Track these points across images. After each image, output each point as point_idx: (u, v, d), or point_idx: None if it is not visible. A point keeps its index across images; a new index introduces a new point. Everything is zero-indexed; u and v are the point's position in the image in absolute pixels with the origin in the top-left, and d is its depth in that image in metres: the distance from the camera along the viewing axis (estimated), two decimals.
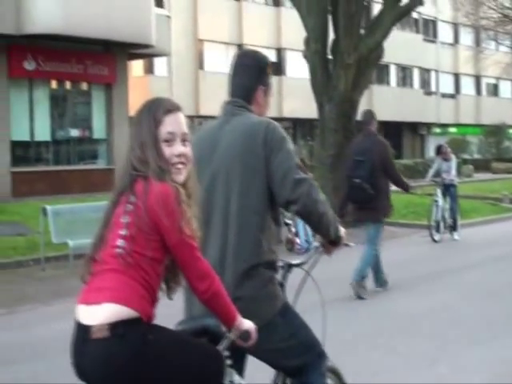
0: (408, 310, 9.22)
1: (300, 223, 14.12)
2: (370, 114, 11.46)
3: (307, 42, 17.98)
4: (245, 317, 3.24)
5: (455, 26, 53.34)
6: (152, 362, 2.88)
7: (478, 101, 57.03)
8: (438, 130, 54.08)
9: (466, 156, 46.62)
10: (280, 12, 42.34)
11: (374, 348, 7.46)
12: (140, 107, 3.16)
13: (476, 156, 50.49)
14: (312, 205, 3.81)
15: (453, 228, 15.87)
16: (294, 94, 39.73)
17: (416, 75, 51.96)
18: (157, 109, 3.06)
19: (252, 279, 3.74)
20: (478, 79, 56.97)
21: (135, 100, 28.65)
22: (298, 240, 14.17)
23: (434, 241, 15.31)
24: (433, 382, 6.38)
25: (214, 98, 38.44)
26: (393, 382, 6.36)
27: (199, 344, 3.16)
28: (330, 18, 17.95)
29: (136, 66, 34.30)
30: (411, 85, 51.54)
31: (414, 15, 45.42)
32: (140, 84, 34.01)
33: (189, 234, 2.91)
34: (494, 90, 58.96)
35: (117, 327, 2.79)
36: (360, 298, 9.91)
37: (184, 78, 38.05)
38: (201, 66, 39.96)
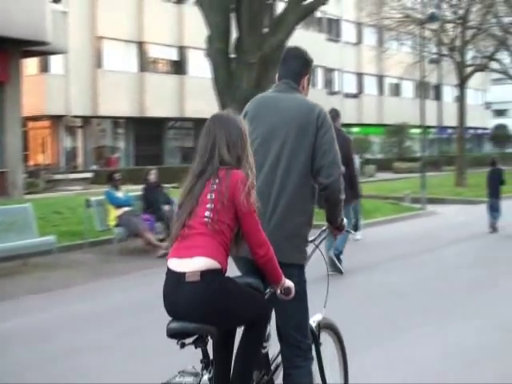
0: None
1: None
2: (335, 112, 12.70)
3: (210, 40, 17.88)
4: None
5: (359, 26, 54.19)
6: (227, 301, 4.02)
7: (380, 100, 58.21)
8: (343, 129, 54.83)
9: (369, 156, 47.58)
10: (182, 9, 41.99)
11: None
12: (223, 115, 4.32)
13: (378, 156, 51.55)
14: (337, 189, 4.63)
15: (355, 228, 16.16)
16: (197, 94, 39.34)
17: (320, 75, 52.61)
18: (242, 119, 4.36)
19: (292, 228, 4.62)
20: (380, 79, 58.19)
21: (29, 100, 27.94)
22: None
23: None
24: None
25: (114, 97, 38.47)
26: None
27: (255, 293, 4.30)
28: (233, 16, 17.94)
29: (30, 65, 33.27)
30: (315, 84, 52.17)
31: (318, 14, 45.89)
32: (34, 83, 33.29)
33: (253, 209, 4.03)
34: (396, 90, 60.31)
35: (205, 274, 3.91)
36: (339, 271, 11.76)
37: (81, 76, 37.49)
38: (99, 64, 39.20)
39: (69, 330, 8.62)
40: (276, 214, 4.55)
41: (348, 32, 55.02)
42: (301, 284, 4.71)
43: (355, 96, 56.37)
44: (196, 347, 4.13)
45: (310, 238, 4.97)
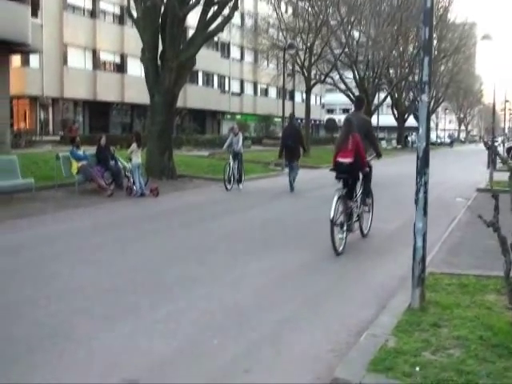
0: (213, 233, 9.31)
1: (136, 175, 13.76)
2: (292, 115, 16.96)
3: (143, 50, 17.34)
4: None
5: (241, 48, 53.87)
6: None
7: (255, 99, 58.34)
8: (229, 117, 54.77)
9: (247, 134, 47.71)
10: (124, 29, 40.64)
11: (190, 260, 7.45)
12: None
13: (253, 134, 51.83)
14: (377, 143, 9.47)
15: (239, 181, 16.18)
16: (133, 86, 38.68)
17: (215, 79, 52.06)
18: None
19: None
20: (255, 84, 58.20)
21: (15, 84, 26.66)
22: (134, 187, 13.79)
23: (227, 189, 15.55)
24: (228, 282, 6.44)
25: (75, 85, 37.20)
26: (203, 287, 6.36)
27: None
28: (159, 35, 17.34)
29: (15, 60, 31.41)
30: (212, 85, 51.57)
31: (215, 39, 45.39)
32: (19, 72, 31.88)
33: None
34: (266, 92, 60.52)
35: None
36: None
37: (52, 70, 36.19)
38: (65, 62, 37.55)
39: (45, 244, 8.32)
40: None
41: (234, 52, 54.48)
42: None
43: (239, 94, 56.14)
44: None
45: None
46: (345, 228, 7.96)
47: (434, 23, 45.58)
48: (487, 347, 4.26)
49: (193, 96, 44.36)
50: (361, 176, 8.64)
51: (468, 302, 5.46)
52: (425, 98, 4.70)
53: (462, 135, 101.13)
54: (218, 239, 8.91)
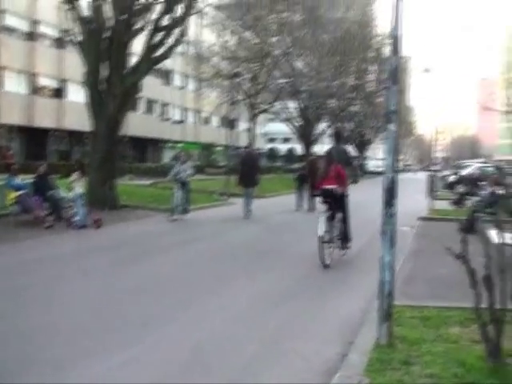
0: (163, 267, 8.88)
1: (78, 206, 13.13)
2: (249, 144, 18.63)
3: (86, 74, 16.75)
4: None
5: (184, 76, 53.66)
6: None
7: (197, 127, 58.12)
8: (170, 145, 54.27)
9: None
10: (63, 53, 39.27)
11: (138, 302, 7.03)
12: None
13: (197, 163, 51.54)
14: (355, 170, 11.03)
15: (185, 211, 15.80)
16: (72, 113, 37.52)
17: (157, 107, 51.58)
18: None
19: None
20: (198, 112, 58.03)
21: None
22: (75, 218, 13.08)
23: (173, 220, 15.11)
24: (188, 321, 6.08)
25: (10, 111, 35.66)
26: (158, 324, 5.98)
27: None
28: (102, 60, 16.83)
29: None
30: (154, 113, 51.04)
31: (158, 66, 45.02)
32: None
33: None
34: (208, 121, 60.42)
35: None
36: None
37: None
38: (1, 86, 36.07)
39: None
40: None
41: (177, 79, 54.24)
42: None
43: (180, 122, 55.78)
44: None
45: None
46: (331, 244, 9.26)
47: (373, 55, 47.40)
48: None
49: (134, 123, 43.61)
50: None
51: (434, 336, 5.35)
52: (392, 127, 4.62)
53: (399, 164, 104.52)
54: (168, 274, 8.51)
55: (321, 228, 8.83)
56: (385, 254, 4.93)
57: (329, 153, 9.99)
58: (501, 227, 4.43)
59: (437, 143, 71.63)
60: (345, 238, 9.80)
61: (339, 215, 9.65)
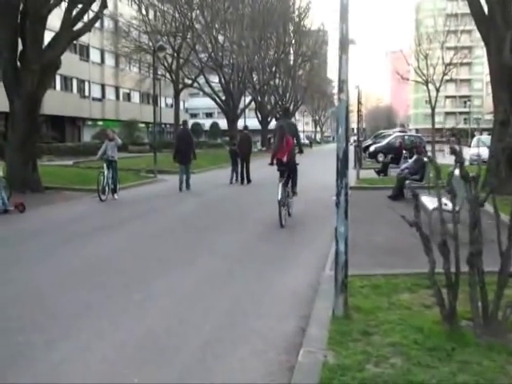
0: (97, 253, 8.40)
1: (2, 191, 12.27)
2: (184, 121, 18.64)
3: (1, 51, 15.52)
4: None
5: (102, 51, 51.51)
6: None
7: (117, 104, 56.15)
8: (90, 123, 52.17)
9: None
10: None
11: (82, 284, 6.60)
12: None
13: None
14: (301, 142, 12.07)
15: (114, 191, 15.19)
16: None
17: (75, 84, 49.24)
18: None
19: None
20: (117, 89, 55.96)
21: None
22: None
23: (102, 200, 14.49)
24: (131, 308, 5.75)
25: None
26: (103, 311, 5.62)
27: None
28: (18, 34, 15.65)
29: None
30: (71, 90, 48.73)
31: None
32: None
33: None
34: (128, 97, 58.58)
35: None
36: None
37: None
38: None
39: None
40: None
41: (95, 55, 51.91)
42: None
43: (100, 100, 53.69)
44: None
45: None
46: (286, 207, 10.75)
47: (292, 28, 47.49)
48: (425, 352, 4.13)
49: (50, 101, 41.34)
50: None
51: (386, 303, 5.37)
52: (343, 96, 4.47)
53: (318, 136, 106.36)
54: (106, 258, 8.08)
55: (279, 193, 10.22)
56: (339, 225, 4.83)
57: (281, 127, 11.05)
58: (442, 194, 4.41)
59: (355, 114, 73.38)
60: (293, 190, 11.63)
61: (291, 181, 11.28)
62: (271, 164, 11.17)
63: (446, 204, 9.12)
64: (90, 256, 8.10)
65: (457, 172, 4.54)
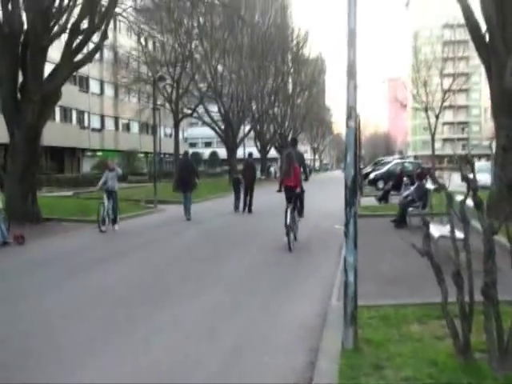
0: (101, 285, 8.25)
1: (1, 223, 12.17)
2: (186, 152, 19.09)
3: (0, 81, 15.57)
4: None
5: (101, 82, 51.97)
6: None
7: (116, 134, 56.43)
8: (89, 154, 52.33)
9: None
10: None
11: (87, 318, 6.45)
12: None
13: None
14: (307, 170, 13.30)
15: (114, 221, 15.07)
16: None
17: (74, 115, 49.54)
18: None
19: None
20: (116, 119, 56.34)
21: None
22: None
23: (102, 231, 14.36)
24: (136, 342, 5.59)
25: None
26: (100, 345, 5.46)
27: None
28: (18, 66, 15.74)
29: None
30: (71, 121, 49.00)
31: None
32: None
33: None
34: (127, 127, 58.91)
35: None
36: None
37: None
38: None
39: None
40: None
41: (94, 86, 52.34)
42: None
43: (99, 130, 53.97)
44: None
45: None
46: (296, 231, 11.70)
47: (290, 57, 48.03)
48: None
49: (50, 133, 41.52)
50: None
51: (397, 335, 5.23)
52: (351, 123, 4.42)
53: (317, 164, 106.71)
54: (108, 291, 7.93)
55: (288, 218, 10.95)
56: (348, 255, 4.73)
57: (290, 155, 11.79)
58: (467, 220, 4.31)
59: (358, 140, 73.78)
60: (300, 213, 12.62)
61: (299, 205, 12.24)
62: (279, 191, 11.78)
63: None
64: (94, 288, 7.96)
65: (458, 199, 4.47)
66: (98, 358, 5.00)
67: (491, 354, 4.28)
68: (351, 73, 4.34)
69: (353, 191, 4.54)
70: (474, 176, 4.13)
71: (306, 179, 12.78)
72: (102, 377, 4.58)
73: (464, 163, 4.20)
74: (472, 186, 4.01)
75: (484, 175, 21.80)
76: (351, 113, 4.37)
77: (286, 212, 11.01)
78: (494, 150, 13.95)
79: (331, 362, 4.55)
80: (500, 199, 11.50)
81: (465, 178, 4.15)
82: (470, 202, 4.63)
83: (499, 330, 4.30)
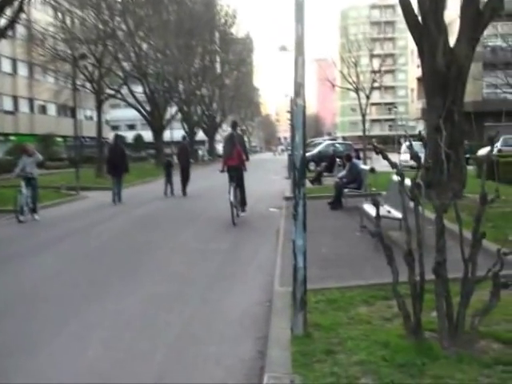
0: (21, 281, 7.83)
1: None
2: (117, 135, 20.06)
3: None
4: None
5: (14, 61, 49.32)
6: None
7: (32, 117, 53.96)
8: (1, 138, 49.77)
9: None
10: None
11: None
12: None
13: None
14: (246, 151, 14.31)
15: (33, 210, 14.39)
16: None
17: None
18: None
19: None
20: (31, 101, 53.84)
21: None
22: None
23: (20, 221, 13.68)
24: (69, 340, 5.33)
25: None
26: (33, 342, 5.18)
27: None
28: None
29: None
30: None
31: None
32: None
33: None
34: (44, 110, 56.44)
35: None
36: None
37: None
38: None
39: None
40: None
41: (5, 65, 49.64)
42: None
43: (12, 113, 51.40)
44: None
45: None
46: (238, 207, 12.72)
47: (218, 36, 47.57)
48: (395, 369, 4.03)
49: None
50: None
51: (345, 318, 5.27)
52: (300, 101, 4.34)
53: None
54: (34, 287, 7.54)
55: (231, 195, 12.21)
56: (297, 238, 4.68)
57: (231, 137, 13.20)
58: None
59: (282, 123, 74.36)
60: (243, 203, 13.50)
61: (239, 185, 13.03)
62: (222, 171, 13.01)
63: (389, 211, 9.30)
64: (13, 285, 7.53)
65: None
66: (28, 363, 4.73)
67: (442, 332, 4.39)
68: (299, 48, 4.26)
69: (302, 172, 4.49)
70: (417, 154, 4.17)
71: (247, 159, 13.72)
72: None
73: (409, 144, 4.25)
74: (418, 164, 4.06)
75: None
76: (299, 90, 4.30)
77: (229, 190, 12.31)
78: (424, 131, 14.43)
79: (282, 350, 4.51)
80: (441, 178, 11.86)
81: (415, 157, 4.19)
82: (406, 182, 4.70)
83: (449, 308, 4.41)
